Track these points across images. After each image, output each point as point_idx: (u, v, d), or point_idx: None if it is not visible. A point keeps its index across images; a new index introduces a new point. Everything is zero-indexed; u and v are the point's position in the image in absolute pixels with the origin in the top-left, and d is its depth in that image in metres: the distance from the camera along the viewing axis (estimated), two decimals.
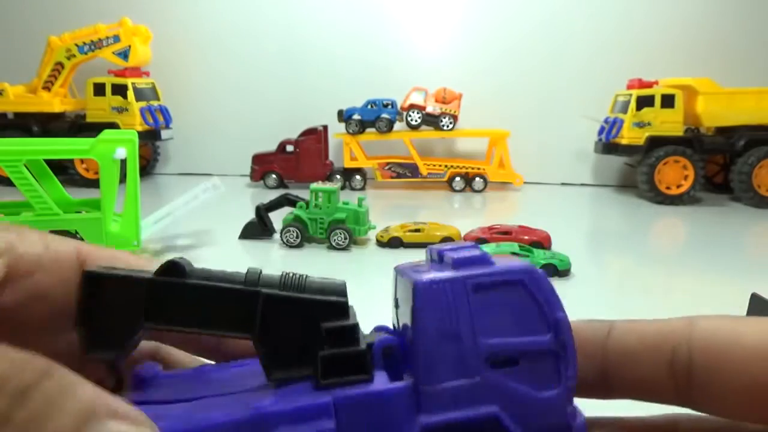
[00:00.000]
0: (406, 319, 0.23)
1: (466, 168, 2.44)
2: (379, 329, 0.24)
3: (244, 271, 0.22)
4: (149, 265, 0.27)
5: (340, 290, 0.23)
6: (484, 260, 0.23)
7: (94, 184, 1.75)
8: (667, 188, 2.15)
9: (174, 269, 0.24)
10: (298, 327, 0.24)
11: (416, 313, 0.23)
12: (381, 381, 0.22)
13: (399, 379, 0.22)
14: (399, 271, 0.24)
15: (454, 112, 2.42)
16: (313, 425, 0.21)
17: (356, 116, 2.42)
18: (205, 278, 0.24)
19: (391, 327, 0.25)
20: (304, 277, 0.23)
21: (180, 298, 0.24)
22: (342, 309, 0.23)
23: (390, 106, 2.43)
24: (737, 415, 0.22)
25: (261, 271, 0.23)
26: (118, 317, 0.25)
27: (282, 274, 0.24)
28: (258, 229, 1.40)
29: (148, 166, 2.71)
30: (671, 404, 0.23)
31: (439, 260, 0.25)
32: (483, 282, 0.23)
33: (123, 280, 0.25)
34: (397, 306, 0.25)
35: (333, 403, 0.21)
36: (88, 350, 0.25)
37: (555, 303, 0.22)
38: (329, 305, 0.24)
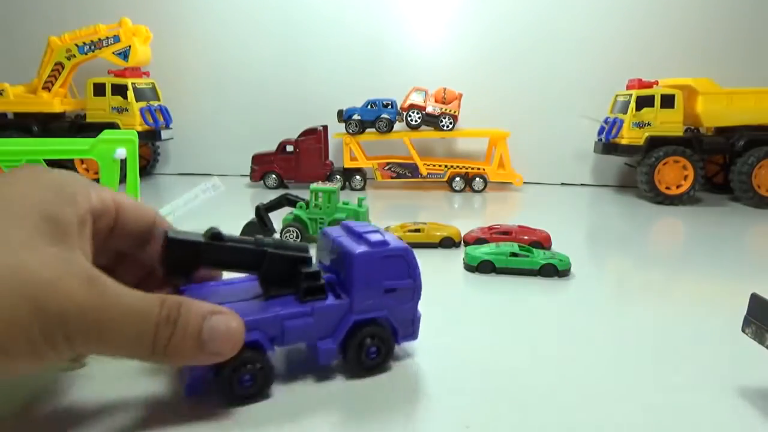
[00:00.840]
0: (326, 260, 0.71)
1: (466, 168, 2.44)
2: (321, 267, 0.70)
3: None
4: (150, 211, 0.62)
5: (306, 248, 0.64)
6: (385, 243, 0.66)
7: None
8: (667, 188, 2.15)
9: (215, 235, 0.59)
10: (284, 267, 0.62)
11: (354, 268, 0.63)
12: (331, 299, 0.64)
13: (338, 298, 0.65)
14: (327, 234, 0.71)
15: (454, 112, 2.42)
16: (303, 320, 0.62)
17: (356, 116, 2.42)
18: (232, 241, 0.60)
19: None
20: (287, 240, 0.71)
21: (219, 251, 0.59)
22: (308, 259, 0.64)
23: (390, 106, 2.43)
24: None
25: (263, 238, 0.62)
26: (185, 261, 0.58)
27: (274, 239, 0.63)
28: (258, 229, 1.39)
29: (148, 166, 2.71)
30: None
31: (356, 237, 0.69)
32: (386, 254, 0.65)
33: (188, 241, 0.57)
34: (319, 250, 0.74)
35: (311, 309, 0.62)
36: (168, 278, 0.60)
37: (415, 266, 0.67)
38: (302, 257, 0.64)
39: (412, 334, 0.72)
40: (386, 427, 0.58)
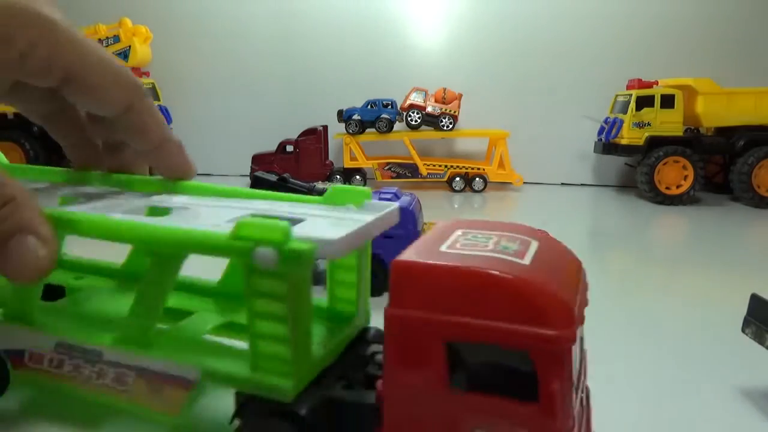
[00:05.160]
0: None
1: (466, 168, 2.44)
2: None
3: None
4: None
5: (315, 188, 1.19)
6: (388, 200, 0.93)
7: None
8: (667, 188, 2.15)
9: (282, 178, 1.20)
10: None
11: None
12: None
13: None
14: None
15: (454, 112, 2.42)
16: None
17: (356, 116, 2.42)
18: (293, 183, 1.21)
19: None
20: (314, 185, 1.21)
21: (284, 189, 1.14)
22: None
23: (390, 107, 2.43)
24: None
25: (315, 185, 1.23)
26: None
27: (321, 188, 1.18)
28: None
29: None
30: None
31: (375, 194, 1.01)
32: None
33: (265, 179, 1.18)
34: None
35: None
36: None
37: (408, 221, 1.03)
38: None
39: None
40: None
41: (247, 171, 2.48)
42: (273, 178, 1.15)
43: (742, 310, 0.68)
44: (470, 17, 2.64)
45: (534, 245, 0.47)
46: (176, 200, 0.63)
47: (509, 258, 0.42)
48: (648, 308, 1.02)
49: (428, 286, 0.41)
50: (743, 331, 0.68)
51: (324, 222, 0.54)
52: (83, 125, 0.67)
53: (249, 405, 0.49)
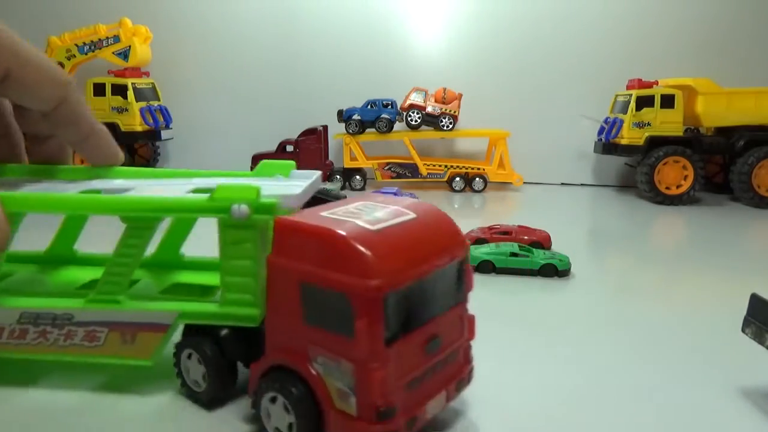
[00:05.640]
0: None
1: (466, 168, 2.44)
2: None
3: None
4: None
5: (343, 196, 0.96)
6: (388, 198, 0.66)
7: None
8: (667, 188, 2.15)
9: (321, 190, 1.27)
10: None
11: None
12: None
13: None
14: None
15: (454, 112, 2.42)
16: None
17: (356, 116, 2.42)
18: (323, 194, 1.23)
19: None
20: (329, 189, 1.29)
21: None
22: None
23: (390, 107, 2.43)
24: None
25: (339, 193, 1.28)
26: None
27: (321, 188, 1.16)
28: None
29: (147, 166, 2.71)
30: None
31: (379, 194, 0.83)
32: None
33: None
34: None
35: None
36: None
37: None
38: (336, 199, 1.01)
39: None
40: None
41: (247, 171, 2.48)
42: None
43: (742, 310, 0.68)
44: (470, 17, 2.64)
45: (404, 218, 0.56)
46: (117, 183, 0.71)
47: (361, 224, 0.53)
48: (648, 308, 1.02)
49: (293, 239, 0.54)
50: (743, 331, 0.68)
51: (270, 186, 0.67)
52: (9, 118, 0.73)
53: (189, 331, 0.64)
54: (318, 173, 0.75)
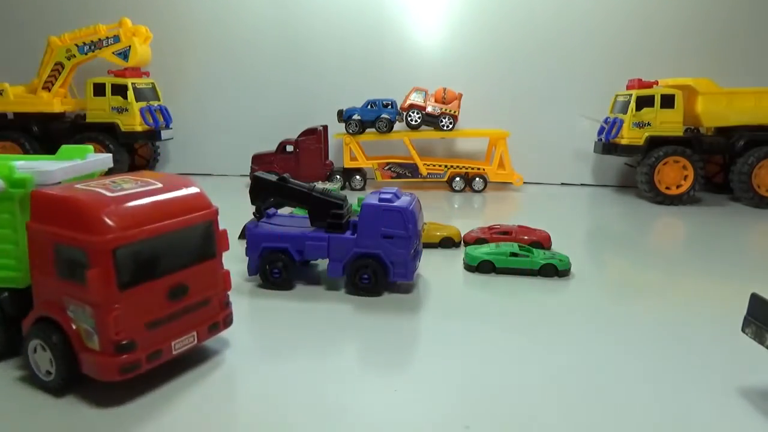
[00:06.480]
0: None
1: (466, 168, 2.44)
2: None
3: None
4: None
5: (342, 197, 1.09)
6: (389, 201, 1.03)
7: None
8: (667, 188, 2.15)
9: (282, 178, 1.12)
10: (323, 208, 1.07)
11: (360, 215, 1.04)
12: (347, 234, 1.06)
13: (353, 235, 1.05)
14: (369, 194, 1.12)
15: (454, 112, 2.42)
16: (319, 244, 1.06)
17: (356, 116, 2.42)
18: (293, 183, 1.11)
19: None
20: (329, 189, 1.12)
21: (284, 189, 1.10)
22: (340, 205, 1.07)
23: (390, 106, 2.43)
24: None
25: (315, 185, 1.11)
26: (262, 192, 1.13)
27: (320, 188, 1.11)
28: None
29: (147, 167, 2.71)
30: None
31: (376, 194, 1.07)
32: (385, 209, 1.02)
33: (265, 179, 1.12)
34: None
35: (328, 237, 1.06)
36: (253, 202, 1.15)
37: (409, 221, 1.01)
38: (335, 203, 1.08)
39: (405, 275, 1.04)
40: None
41: (247, 171, 2.48)
42: (273, 178, 1.14)
43: (742, 309, 0.68)
44: (470, 17, 2.64)
45: (147, 188, 0.69)
46: None
47: (102, 191, 0.65)
48: (648, 308, 1.02)
49: (46, 207, 0.66)
50: (743, 331, 0.69)
51: (49, 165, 0.77)
52: None
53: None
54: (106, 156, 0.88)
